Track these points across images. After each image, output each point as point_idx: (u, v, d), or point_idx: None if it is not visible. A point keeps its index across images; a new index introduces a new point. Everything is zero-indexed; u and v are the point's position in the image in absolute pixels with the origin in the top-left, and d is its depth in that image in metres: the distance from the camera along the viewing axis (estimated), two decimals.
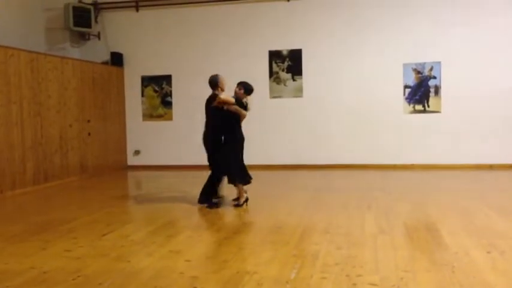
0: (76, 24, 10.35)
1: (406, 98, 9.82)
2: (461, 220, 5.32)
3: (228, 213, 6.03)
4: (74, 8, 10.31)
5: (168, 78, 10.80)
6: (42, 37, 10.45)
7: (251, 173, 6.49)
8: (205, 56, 10.54)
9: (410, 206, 6.19)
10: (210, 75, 10.88)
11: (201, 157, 10.49)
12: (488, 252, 4.11)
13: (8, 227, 5.54)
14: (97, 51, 10.86)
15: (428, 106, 9.73)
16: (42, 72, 8.48)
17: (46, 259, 4.19)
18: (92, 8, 10.65)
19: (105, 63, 10.68)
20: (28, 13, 10.05)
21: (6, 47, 7.75)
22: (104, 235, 4.98)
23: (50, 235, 5.03)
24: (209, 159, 6.53)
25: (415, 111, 9.80)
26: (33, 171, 8.19)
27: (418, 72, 9.74)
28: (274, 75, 10.31)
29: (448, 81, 9.63)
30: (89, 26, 10.60)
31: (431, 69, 9.68)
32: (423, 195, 7.04)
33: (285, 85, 10.28)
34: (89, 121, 9.74)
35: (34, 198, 7.59)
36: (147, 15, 10.80)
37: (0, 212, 6.64)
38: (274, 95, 10.33)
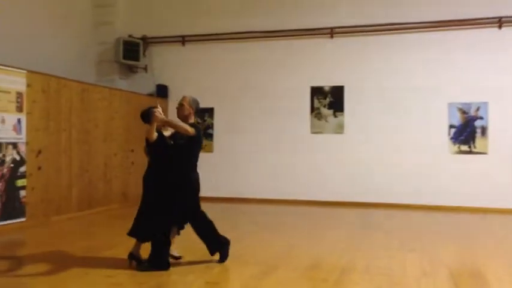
0: (125, 57, 10.79)
1: (451, 138, 9.62)
2: (507, 266, 5.10)
3: (265, 248, 5.99)
4: (125, 42, 10.77)
5: (210, 111, 11.01)
6: (93, 69, 10.94)
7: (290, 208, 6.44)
8: (248, 90, 10.71)
9: (454, 250, 5.98)
10: (252, 108, 11.08)
11: (240, 190, 10.65)
12: None
13: (53, 251, 5.68)
14: (143, 83, 11.22)
15: (474, 147, 9.49)
16: (92, 102, 8.83)
17: (88, 284, 4.27)
18: (141, 42, 11.09)
19: (150, 95, 11.01)
20: (83, 46, 10.58)
21: (60, 78, 8.13)
22: (144, 263, 5.02)
23: (92, 260, 5.12)
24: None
25: (461, 152, 9.56)
26: (78, 197, 8.42)
27: (464, 112, 9.56)
28: (316, 111, 10.34)
29: (495, 122, 9.39)
30: (137, 59, 11.02)
31: (477, 109, 9.48)
32: (468, 238, 6.79)
33: (326, 121, 10.28)
34: (132, 150, 10.00)
35: (78, 224, 7.78)
36: (193, 49, 11.13)
37: (45, 237, 6.83)
38: (315, 131, 10.34)
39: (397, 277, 4.64)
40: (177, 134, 4.98)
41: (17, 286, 4.26)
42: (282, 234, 6.91)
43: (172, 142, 4.99)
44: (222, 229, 7.39)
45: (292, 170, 10.40)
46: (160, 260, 4.77)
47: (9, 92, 6.96)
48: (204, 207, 10.32)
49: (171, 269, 4.85)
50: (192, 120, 5.00)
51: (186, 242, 6.48)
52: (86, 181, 8.64)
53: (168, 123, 4.95)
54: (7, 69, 6.96)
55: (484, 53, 9.47)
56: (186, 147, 4.91)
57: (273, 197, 10.35)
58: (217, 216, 8.15)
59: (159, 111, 4.81)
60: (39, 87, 7.61)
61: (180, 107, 5.02)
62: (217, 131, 10.94)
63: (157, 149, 5.02)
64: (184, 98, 5.07)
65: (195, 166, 5.07)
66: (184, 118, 4.99)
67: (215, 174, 10.84)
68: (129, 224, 8.29)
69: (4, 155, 6.85)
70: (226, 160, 10.79)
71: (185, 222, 5.15)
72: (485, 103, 9.46)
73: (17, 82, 7.13)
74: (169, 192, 4.83)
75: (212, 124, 11.00)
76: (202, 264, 5.06)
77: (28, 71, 7.36)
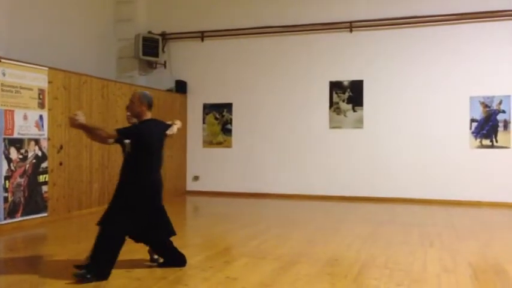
0: (145, 53, 10.87)
1: (473, 132, 9.47)
2: None
3: (284, 243, 5.99)
4: (144, 38, 10.84)
5: (229, 106, 11.03)
6: (113, 65, 11.06)
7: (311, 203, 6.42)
8: (266, 85, 10.70)
9: (476, 245, 5.90)
10: (271, 104, 11.08)
11: (258, 185, 10.66)
12: None
13: (74, 245, 5.78)
14: (162, 79, 11.30)
15: (496, 141, 9.33)
16: (112, 99, 8.91)
17: (108, 278, 4.32)
18: (160, 38, 11.15)
19: (169, 90, 11.08)
20: (103, 43, 10.70)
21: (81, 74, 8.23)
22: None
23: None
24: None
25: (482, 146, 9.41)
26: (99, 192, 8.53)
27: (486, 106, 9.39)
28: (335, 106, 10.28)
29: None
30: (157, 55, 11.09)
31: (500, 102, 9.31)
32: (490, 234, 6.69)
33: (345, 116, 10.21)
34: None
35: (98, 219, 7.87)
36: (212, 45, 11.15)
37: (66, 231, 6.95)
38: (333, 125, 10.28)
39: (417, 273, 4.59)
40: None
41: (37, 281, 4.34)
42: (300, 230, 6.91)
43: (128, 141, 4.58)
44: (241, 224, 7.45)
45: (310, 165, 10.37)
46: (100, 266, 4.27)
47: (31, 89, 7.07)
48: (224, 202, 10.39)
49: (190, 263, 4.88)
50: (146, 116, 4.60)
51: (204, 236, 6.53)
52: (106, 176, 8.74)
53: (83, 128, 4.47)
54: (29, 67, 7.07)
55: (507, 46, 9.28)
56: (131, 148, 4.53)
57: (291, 192, 10.35)
58: (235, 212, 8.29)
59: (73, 116, 4.39)
60: (60, 84, 7.71)
61: (130, 104, 4.67)
62: (236, 126, 10.96)
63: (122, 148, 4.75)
64: (133, 94, 4.67)
65: (147, 169, 4.57)
66: (136, 116, 4.64)
67: (233, 170, 10.88)
68: None
69: (26, 151, 6.98)
70: (244, 155, 10.82)
71: (143, 234, 4.64)
72: (508, 96, 9.28)
73: (39, 79, 7.24)
74: (123, 193, 4.52)
75: (231, 119, 11.02)
76: (221, 259, 5.08)
77: (49, 68, 7.46)
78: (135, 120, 4.74)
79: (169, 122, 4.89)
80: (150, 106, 4.63)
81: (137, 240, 4.73)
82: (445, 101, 9.61)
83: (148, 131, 4.54)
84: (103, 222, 4.46)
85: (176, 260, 4.75)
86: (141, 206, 4.51)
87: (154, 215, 4.64)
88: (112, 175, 8.87)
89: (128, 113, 4.96)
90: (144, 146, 4.52)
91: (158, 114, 10.34)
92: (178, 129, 4.88)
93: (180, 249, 5.54)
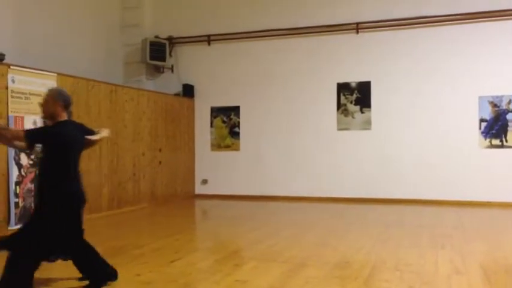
0: (152, 58, 10.91)
1: (482, 132, 9.40)
2: None
3: (293, 245, 5.97)
4: (151, 43, 10.89)
5: (236, 110, 11.04)
6: (120, 70, 11.12)
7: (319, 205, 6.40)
8: (273, 88, 10.70)
9: (487, 247, 5.84)
10: (278, 106, 11.07)
11: (267, 188, 10.66)
12: None
13: None
14: (170, 83, 11.34)
15: (506, 141, 9.25)
16: (120, 103, 8.96)
17: (118, 282, 4.33)
18: (167, 42, 11.20)
19: (177, 94, 11.12)
20: (110, 48, 10.76)
21: (88, 79, 8.28)
22: (172, 262, 5.08)
23: (122, 259, 5.20)
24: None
25: (492, 146, 9.34)
26: (108, 197, 8.57)
27: (495, 106, 9.32)
28: (342, 107, 10.25)
29: None
30: (164, 60, 11.13)
31: (509, 102, 9.24)
32: (501, 235, 6.63)
33: (352, 117, 10.19)
34: (160, 150, 10.12)
35: (108, 223, 7.92)
36: (218, 49, 11.17)
37: None
38: (341, 127, 10.25)
39: (428, 275, 4.56)
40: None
41: (47, 284, 4.36)
42: (309, 232, 6.89)
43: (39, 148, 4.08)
44: (250, 227, 7.44)
45: (319, 167, 10.34)
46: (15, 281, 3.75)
47: (40, 95, 7.11)
48: (232, 205, 10.39)
49: (199, 267, 4.87)
50: (61, 118, 4.02)
51: (213, 239, 6.53)
52: (116, 181, 8.78)
53: None
54: (38, 73, 7.12)
55: None
56: (45, 153, 3.98)
57: (300, 195, 10.32)
58: (244, 215, 8.29)
59: None
60: (69, 90, 7.65)
61: (44, 103, 4.06)
62: (244, 129, 10.96)
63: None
64: (47, 91, 4.15)
65: (69, 176, 3.99)
66: (50, 116, 4.03)
67: (242, 173, 10.88)
68: (157, 223, 8.36)
69: (36, 157, 7.02)
70: (252, 158, 10.82)
71: (62, 249, 4.06)
72: None
73: (48, 85, 7.27)
74: (41, 206, 3.95)
75: (238, 122, 11.03)
76: (230, 262, 5.08)
77: (58, 73, 7.51)
78: (49, 122, 4.08)
79: (96, 130, 4.38)
80: (66, 106, 4.04)
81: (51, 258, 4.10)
82: (454, 101, 9.55)
83: (65, 131, 3.96)
84: (11, 244, 3.84)
85: (103, 273, 4.18)
86: (62, 218, 3.92)
87: (72, 232, 4.05)
88: (121, 179, 8.92)
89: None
90: (60, 148, 3.92)
91: (166, 118, 10.41)
92: (101, 138, 4.39)
93: (189, 253, 5.55)
